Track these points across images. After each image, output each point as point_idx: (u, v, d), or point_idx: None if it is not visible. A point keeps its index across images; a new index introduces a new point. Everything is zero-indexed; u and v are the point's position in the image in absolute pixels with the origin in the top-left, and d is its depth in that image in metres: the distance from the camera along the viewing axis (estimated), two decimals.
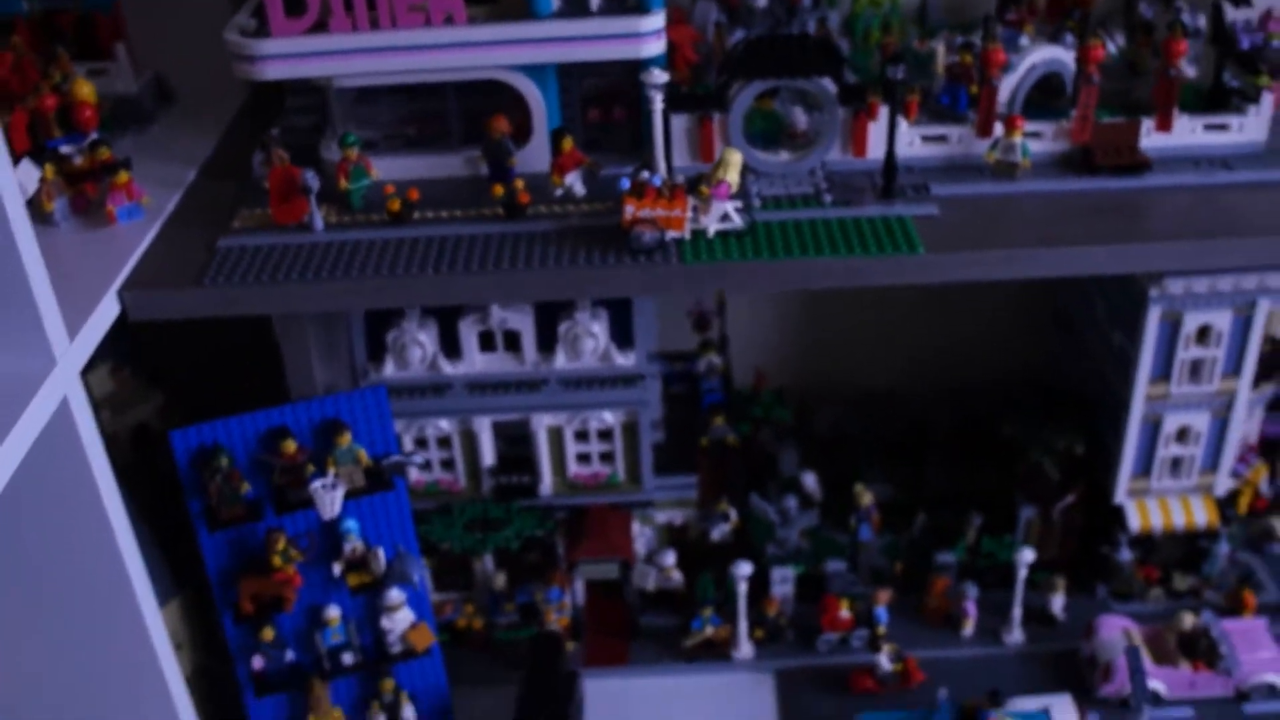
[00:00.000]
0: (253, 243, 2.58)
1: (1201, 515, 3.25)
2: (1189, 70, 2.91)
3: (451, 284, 2.45)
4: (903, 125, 2.65)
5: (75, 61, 2.98)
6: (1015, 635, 3.30)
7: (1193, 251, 2.47)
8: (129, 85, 3.10)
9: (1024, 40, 2.83)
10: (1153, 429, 3.14)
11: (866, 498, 3.40)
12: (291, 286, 2.45)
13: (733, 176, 2.44)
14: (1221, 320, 2.98)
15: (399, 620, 2.96)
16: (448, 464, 3.20)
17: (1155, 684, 3.06)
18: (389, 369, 3.03)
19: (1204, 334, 3.01)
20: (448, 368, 3.03)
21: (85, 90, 2.75)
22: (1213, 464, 3.22)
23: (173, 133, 3.13)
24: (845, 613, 3.27)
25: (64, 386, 2.24)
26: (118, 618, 2.57)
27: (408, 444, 3.10)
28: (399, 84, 2.72)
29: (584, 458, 3.20)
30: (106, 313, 2.42)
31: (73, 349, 2.27)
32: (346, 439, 2.79)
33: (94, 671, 2.64)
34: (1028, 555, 3.14)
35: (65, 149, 2.70)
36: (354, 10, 2.56)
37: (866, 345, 3.88)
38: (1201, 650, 3.11)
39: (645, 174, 2.45)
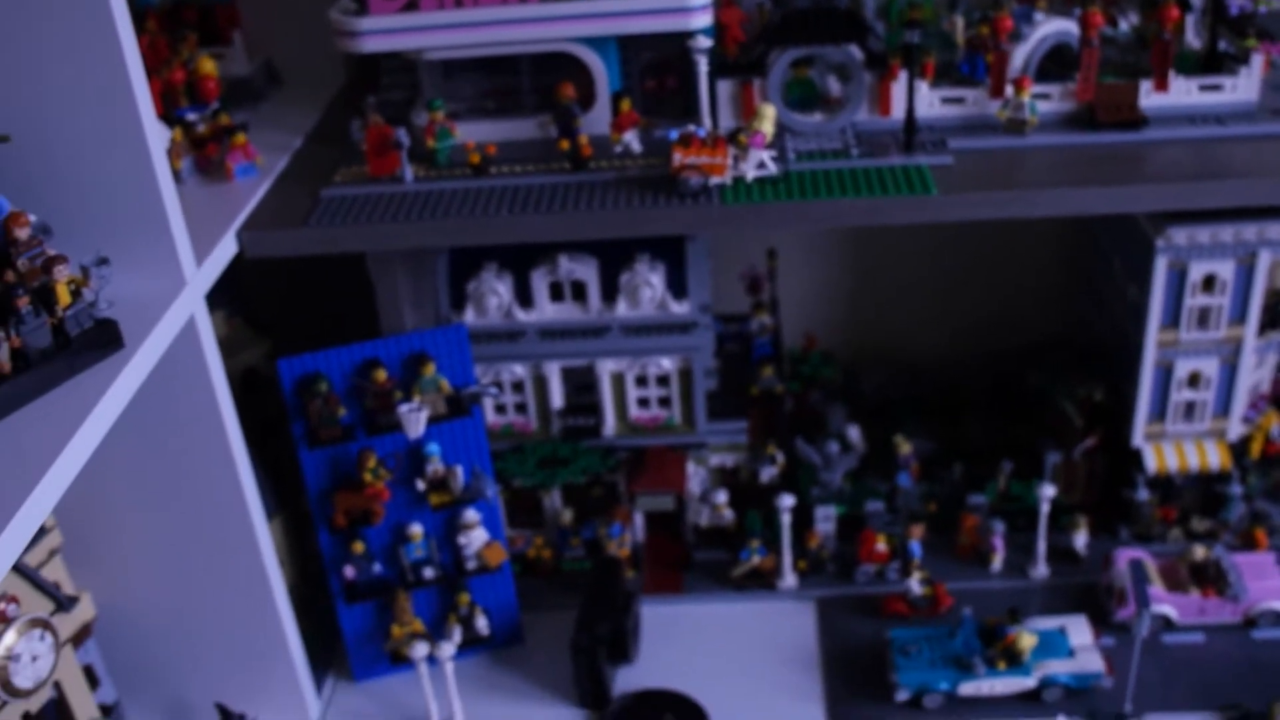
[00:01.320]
0: (351, 193, 2.97)
1: (1215, 458, 3.50)
2: (1193, 40, 3.22)
3: (523, 223, 2.82)
4: (923, 88, 2.99)
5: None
6: (1040, 570, 3.55)
7: (1183, 191, 2.76)
8: (243, 68, 3.52)
9: (1038, 16, 3.13)
10: (1165, 374, 3.40)
11: (906, 447, 3.69)
12: (384, 226, 2.83)
13: (767, 127, 2.79)
14: (1225, 269, 3.24)
15: (475, 538, 3.30)
16: (521, 407, 3.55)
17: (1166, 609, 3.31)
18: (469, 315, 3.38)
19: (1209, 283, 3.27)
20: (521, 315, 3.38)
21: (208, 66, 3.17)
22: (1224, 409, 3.47)
23: (281, 109, 3.54)
24: (882, 546, 3.55)
25: (191, 306, 2.61)
26: (231, 523, 2.90)
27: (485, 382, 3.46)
28: (479, 58, 3.10)
29: (644, 401, 3.53)
30: (226, 249, 2.80)
31: (200, 274, 2.64)
32: (431, 369, 3.16)
33: (208, 576, 2.97)
34: (1049, 490, 3.41)
35: (191, 116, 3.10)
36: None
37: (911, 313, 4.18)
38: (1211, 578, 3.35)
39: (691, 127, 2.80)
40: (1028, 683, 3.13)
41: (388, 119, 3.05)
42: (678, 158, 2.78)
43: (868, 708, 3.20)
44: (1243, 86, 3.02)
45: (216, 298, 2.78)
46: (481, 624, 3.37)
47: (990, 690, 3.15)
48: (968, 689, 3.15)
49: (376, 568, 3.29)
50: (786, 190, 2.80)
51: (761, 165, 2.82)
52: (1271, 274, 3.32)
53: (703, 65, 2.88)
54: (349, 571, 3.27)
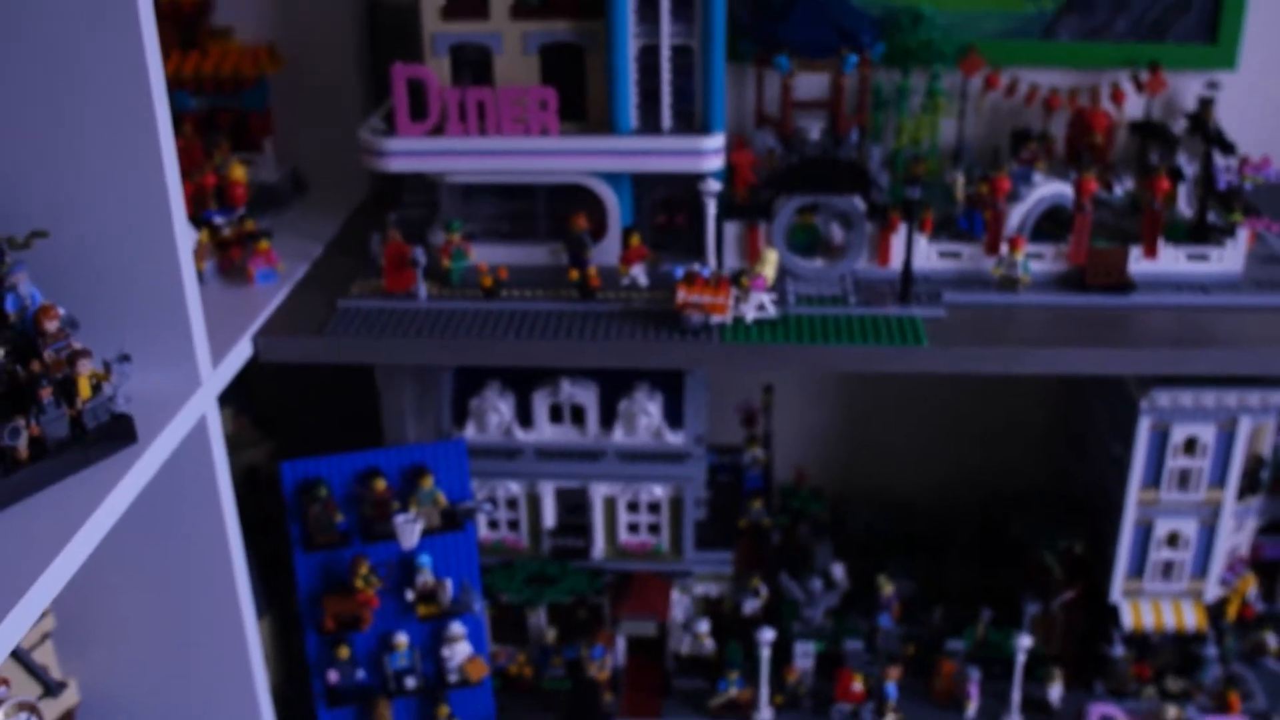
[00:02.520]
0: (367, 305, 3.09)
1: (1191, 619, 3.56)
2: (1186, 210, 3.36)
3: (529, 348, 2.92)
4: (921, 242, 3.11)
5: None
6: (1014, 719, 3.60)
7: (1167, 358, 2.88)
8: (272, 174, 3.66)
9: (1036, 176, 3.27)
10: (1145, 532, 3.48)
11: (889, 588, 3.74)
12: (396, 340, 2.94)
13: (769, 272, 2.92)
14: (1207, 433, 3.34)
15: (458, 651, 3.35)
16: (513, 524, 3.61)
17: None
18: (470, 431, 3.46)
19: (1191, 445, 3.36)
20: (520, 434, 3.46)
21: (239, 172, 3.30)
22: (1202, 570, 3.54)
23: (305, 216, 3.66)
24: (858, 686, 3.58)
25: (204, 405, 2.70)
26: (222, 620, 2.94)
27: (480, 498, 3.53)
28: (498, 184, 3.24)
29: (634, 527, 3.60)
30: (241, 352, 2.90)
31: (215, 375, 2.74)
32: (429, 482, 3.23)
33: (194, 669, 3.00)
34: (1025, 641, 3.46)
35: (218, 220, 3.23)
36: (467, 118, 3.09)
37: (900, 455, 4.27)
38: None
39: (696, 266, 2.92)
40: None
41: (406, 235, 3.17)
42: (681, 295, 2.90)
43: None
44: (1228, 258, 3.15)
45: (226, 396, 2.86)
46: None
47: None
48: None
49: (360, 674, 3.33)
50: (784, 333, 2.90)
51: (761, 307, 2.93)
52: (1252, 439, 3.42)
53: (711, 206, 3.01)
54: (333, 676, 3.31)
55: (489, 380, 3.44)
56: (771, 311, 2.94)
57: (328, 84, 3.75)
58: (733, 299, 2.91)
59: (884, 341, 2.86)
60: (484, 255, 3.21)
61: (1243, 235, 3.12)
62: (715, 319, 2.92)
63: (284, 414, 3.77)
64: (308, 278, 3.28)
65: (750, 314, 2.93)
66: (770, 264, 2.93)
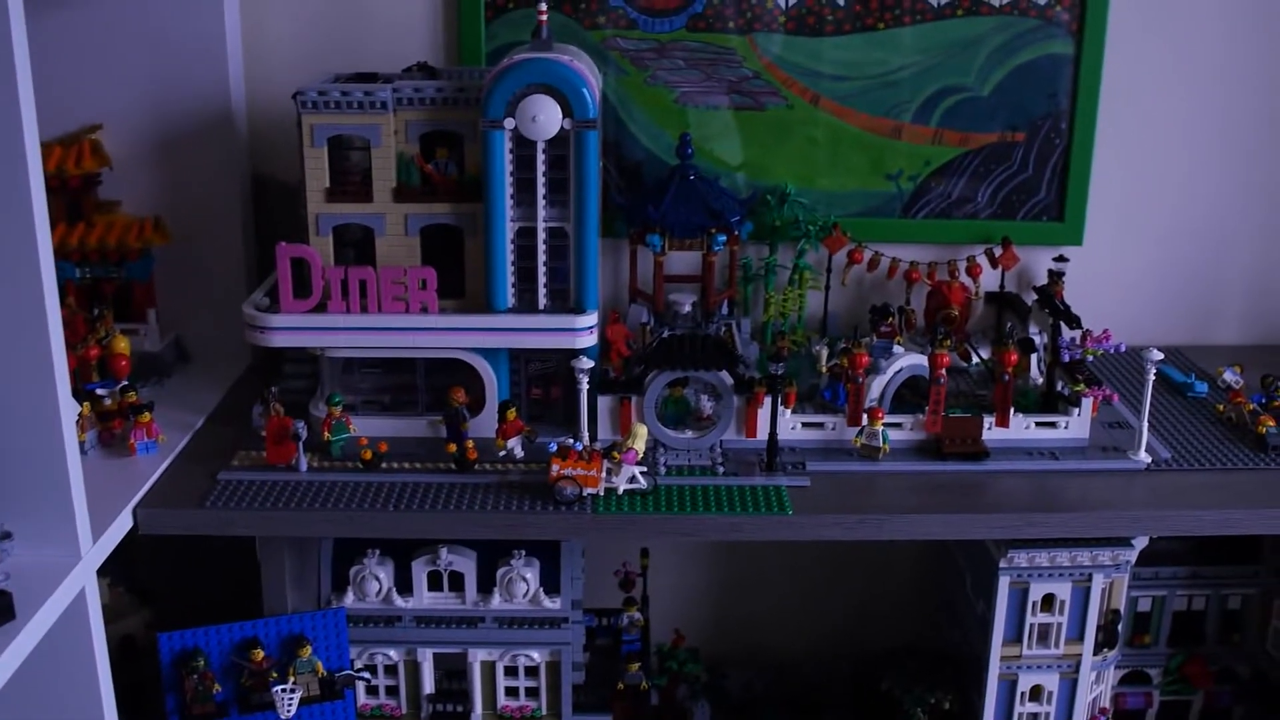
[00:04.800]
0: (247, 478, 3.14)
1: None
2: (1038, 377, 3.55)
3: (408, 520, 3.00)
4: (786, 414, 3.26)
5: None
6: None
7: (1019, 522, 3.05)
8: (155, 344, 3.71)
9: (896, 349, 3.44)
10: (1010, 687, 3.59)
11: None
12: (277, 513, 2.99)
13: (639, 445, 3.04)
14: (1063, 590, 3.48)
15: None
16: (392, 690, 3.61)
17: None
18: (349, 599, 3.49)
19: (1049, 602, 3.50)
20: (399, 601, 3.49)
21: (123, 345, 3.35)
22: None
23: (187, 386, 3.71)
24: None
25: (84, 579, 2.71)
26: None
27: (359, 665, 3.54)
28: (379, 358, 3.33)
29: (512, 691, 3.62)
30: (122, 525, 2.92)
31: (95, 548, 2.75)
32: (307, 651, 3.25)
33: None
34: None
35: (100, 391, 3.27)
36: (349, 296, 3.19)
37: (775, 615, 4.38)
38: None
39: (570, 440, 3.03)
40: None
41: (287, 408, 3.24)
42: (555, 468, 3.00)
43: None
44: (1075, 425, 3.34)
45: (104, 566, 2.87)
46: None
47: None
48: None
49: None
50: (655, 503, 3.02)
51: (633, 480, 3.05)
52: (1106, 595, 3.57)
53: (584, 382, 3.13)
54: None
55: (369, 548, 3.48)
56: (643, 483, 3.06)
57: (213, 257, 3.83)
58: (605, 471, 3.02)
59: (750, 511, 2.98)
60: (364, 428, 3.29)
61: (1087, 404, 3.32)
62: (588, 491, 3.02)
63: (161, 583, 3.76)
64: (189, 449, 3.32)
65: (622, 486, 3.05)
66: (641, 438, 3.05)
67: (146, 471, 3.15)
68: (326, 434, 3.23)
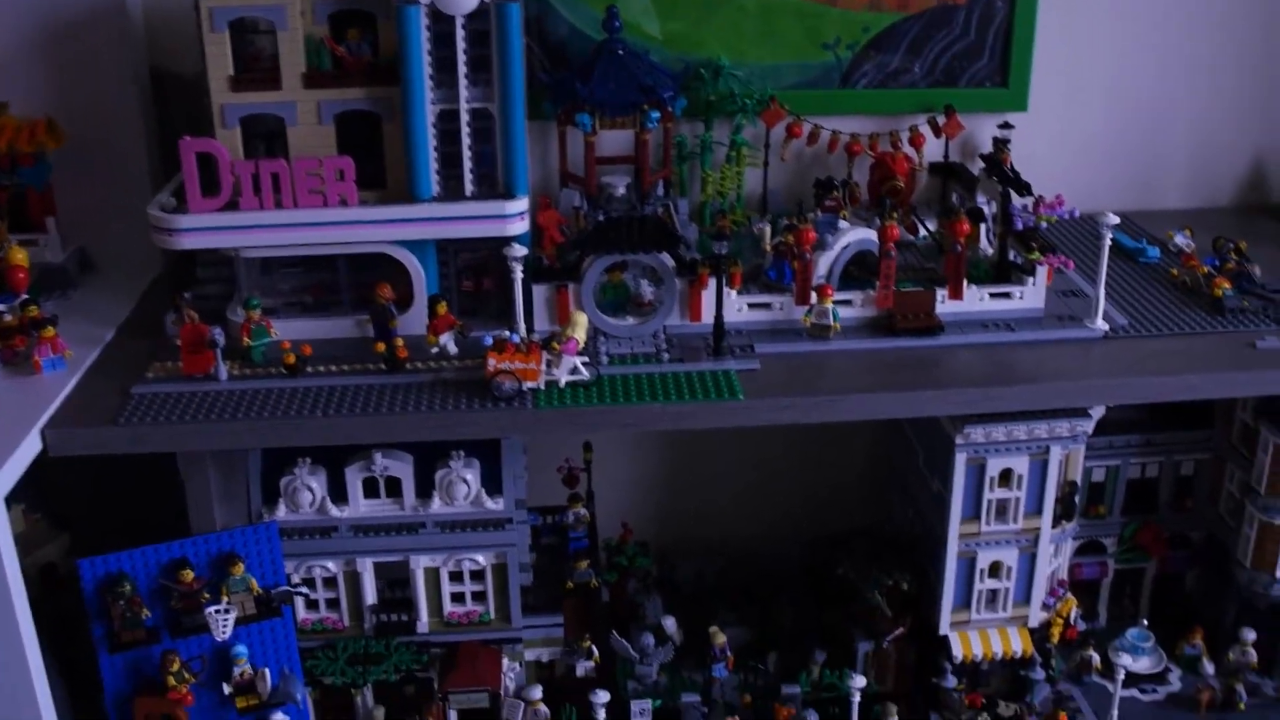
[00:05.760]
0: (163, 390, 2.95)
1: (1018, 644, 3.62)
2: (988, 248, 3.43)
3: (338, 425, 2.83)
4: (731, 295, 3.11)
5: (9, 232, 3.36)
6: None
7: (976, 397, 2.94)
8: (56, 255, 3.48)
9: (841, 224, 3.31)
10: (969, 565, 3.53)
11: (720, 638, 3.70)
12: (197, 426, 2.81)
13: (580, 335, 2.88)
14: (1020, 464, 3.40)
15: None
16: (332, 603, 3.48)
17: None
18: (281, 512, 3.33)
19: (1006, 477, 3.43)
20: (334, 511, 3.34)
21: (19, 256, 3.13)
22: (1025, 597, 3.60)
23: (93, 298, 3.49)
24: None
25: None
26: None
27: (296, 580, 3.40)
28: (297, 256, 3.13)
29: (458, 597, 3.50)
30: (30, 447, 2.74)
31: (2, 473, 2.58)
32: (240, 569, 3.10)
33: None
34: (859, 681, 3.47)
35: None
36: (261, 192, 2.98)
37: (725, 503, 4.28)
38: None
39: (506, 332, 2.87)
40: None
41: (203, 314, 3.05)
42: (492, 363, 2.83)
43: None
44: (1030, 295, 3.23)
45: (15, 492, 2.70)
46: None
47: None
48: None
49: None
50: (599, 394, 2.87)
51: (575, 371, 2.89)
52: (1063, 467, 3.50)
53: (517, 272, 2.96)
54: None
55: (299, 458, 3.32)
56: (585, 374, 2.90)
57: (113, 159, 3.59)
58: (545, 364, 2.86)
59: (699, 397, 2.85)
60: (286, 331, 3.10)
61: (1042, 273, 3.21)
62: (528, 385, 2.86)
63: (80, 508, 3.57)
64: (99, 364, 3.12)
65: (564, 378, 2.89)
66: (581, 326, 2.89)
67: (54, 390, 2.95)
68: (246, 339, 3.03)
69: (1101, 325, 3.20)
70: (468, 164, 3.08)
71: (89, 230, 3.64)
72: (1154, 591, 4.11)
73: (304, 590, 3.24)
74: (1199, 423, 3.91)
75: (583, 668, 3.63)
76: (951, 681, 3.66)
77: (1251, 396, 3.59)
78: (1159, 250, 3.76)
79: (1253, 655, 3.82)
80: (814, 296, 3.11)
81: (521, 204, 3.06)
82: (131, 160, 3.60)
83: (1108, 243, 3.13)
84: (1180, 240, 3.77)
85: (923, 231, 3.53)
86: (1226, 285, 3.39)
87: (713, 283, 3.04)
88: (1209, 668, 3.90)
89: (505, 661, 3.57)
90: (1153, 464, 3.95)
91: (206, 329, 2.95)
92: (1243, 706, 3.77)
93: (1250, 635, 3.81)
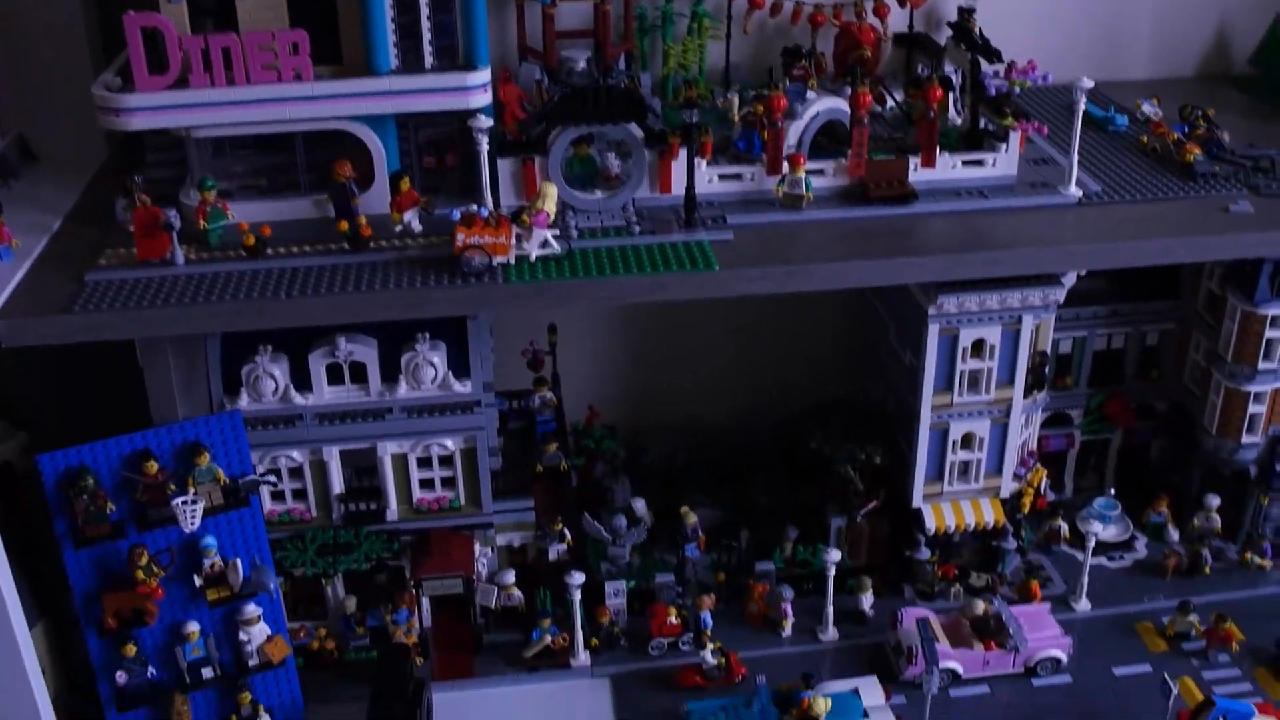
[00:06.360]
0: (118, 276, 2.84)
1: (990, 514, 3.63)
2: (956, 117, 3.37)
3: (302, 307, 2.74)
4: (702, 165, 3.03)
5: None
6: (830, 633, 3.61)
7: (950, 264, 2.89)
8: None
9: (810, 94, 3.23)
10: (941, 436, 3.52)
11: (691, 518, 3.70)
12: (155, 311, 2.71)
13: (550, 206, 2.80)
14: (993, 335, 3.38)
15: (256, 633, 3.16)
16: (300, 494, 3.42)
17: (952, 664, 3.39)
18: (244, 401, 3.25)
19: (979, 347, 3.40)
20: (298, 399, 3.26)
21: None
22: (997, 468, 3.60)
23: (37, 187, 3.37)
24: (673, 619, 3.55)
25: None
26: None
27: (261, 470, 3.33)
28: (252, 136, 3.02)
29: (427, 483, 3.45)
30: None
31: None
32: (205, 459, 3.03)
33: None
34: (834, 555, 3.48)
35: None
36: (212, 68, 2.86)
37: (693, 382, 4.23)
38: (993, 632, 3.46)
39: (474, 207, 2.78)
40: None
41: (156, 199, 2.93)
42: (460, 238, 2.75)
43: None
44: (1003, 162, 3.18)
45: None
46: None
47: None
48: None
49: (151, 671, 3.12)
50: (570, 268, 2.79)
51: (545, 244, 2.82)
52: (1034, 337, 3.48)
53: (483, 144, 2.86)
54: (121, 677, 3.09)
55: (260, 344, 3.23)
56: (556, 247, 2.83)
57: (51, 39, 3.43)
58: (515, 237, 2.78)
59: (674, 269, 2.78)
60: (244, 213, 3.00)
61: (1015, 139, 3.15)
62: (498, 259, 2.78)
63: (37, 404, 3.48)
64: (48, 253, 3.01)
65: (534, 252, 2.81)
66: (550, 198, 2.81)
67: (2, 280, 2.83)
68: (202, 222, 2.93)
69: (1075, 191, 3.16)
70: (427, 34, 2.96)
71: (28, 116, 3.50)
72: (1119, 462, 4.14)
73: (271, 479, 3.18)
74: (1165, 293, 3.90)
75: (555, 551, 3.61)
76: (925, 554, 3.67)
77: (1222, 261, 3.57)
78: (1127, 119, 3.71)
79: (1217, 521, 3.87)
80: (786, 166, 3.04)
81: (484, 75, 2.95)
82: (71, 39, 3.44)
83: (1081, 107, 3.07)
84: (1148, 108, 3.73)
85: (890, 102, 3.46)
86: (1197, 151, 3.36)
87: (683, 153, 2.96)
88: (1174, 534, 3.95)
89: (477, 547, 3.54)
90: (1119, 335, 3.95)
91: (160, 212, 2.84)
92: (1208, 571, 3.82)
93: (1214, 501, 3.86)
